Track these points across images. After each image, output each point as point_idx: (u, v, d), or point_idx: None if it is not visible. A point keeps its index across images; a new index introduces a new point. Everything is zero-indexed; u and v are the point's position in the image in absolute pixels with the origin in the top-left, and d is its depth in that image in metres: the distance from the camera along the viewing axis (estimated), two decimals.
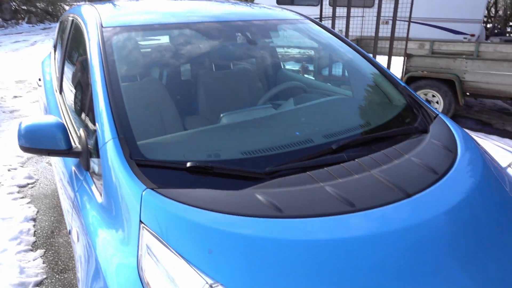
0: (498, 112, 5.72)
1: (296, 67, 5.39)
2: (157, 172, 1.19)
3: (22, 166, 3.71)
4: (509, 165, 1.59)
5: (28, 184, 3.36)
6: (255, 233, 0.99)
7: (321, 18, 5.98)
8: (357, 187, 1.16)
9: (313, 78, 5.03)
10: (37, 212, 2.91)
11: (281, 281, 0.90)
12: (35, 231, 2.67)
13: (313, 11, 9.11)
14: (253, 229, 1.00)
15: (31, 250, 2.46)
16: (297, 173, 1.23)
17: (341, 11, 5.66)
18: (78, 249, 1.31)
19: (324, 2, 6.05)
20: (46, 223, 2.76)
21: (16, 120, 5.14)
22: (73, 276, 2.23)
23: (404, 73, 4.99)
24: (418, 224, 1.08)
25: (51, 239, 2.58)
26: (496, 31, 10.68)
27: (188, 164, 1.19)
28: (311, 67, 5.54)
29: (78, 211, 1.36)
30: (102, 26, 1.75)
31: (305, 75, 5.19)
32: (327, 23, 6.43)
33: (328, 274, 0.92)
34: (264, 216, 1.03)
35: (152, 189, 1.11)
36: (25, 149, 1.42)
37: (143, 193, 1.09)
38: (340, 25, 5.91)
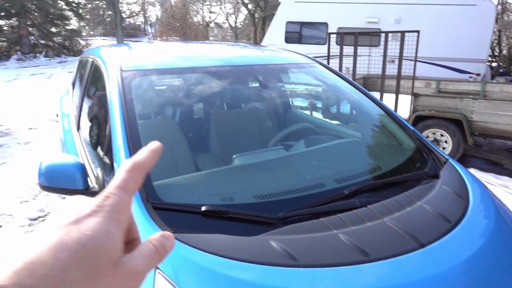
0: (508, 151, 5.70)
1: (304, 103, 5.50)
2: (172, 216, 1.22)
3: (34, 199, 3.75)
4: None
5: (39, 217, 3.39)
6: (270, 282, 0.99)
7: (328, 57, 6.15)
8: (370, 235, 1.17)
9: (322, 116, 5.11)
10: None
11: None
12: None
13: (321, 50, 9.38)
14: (268, 278, 1.01)
15: None
16: (310, 219, 1.24)
17: (348, 50, 5.82)
18: None
19: (331, 41, 6.24)
20: None
21: (30, 152, 5.24)
22: None
23: (412, 112, 5.05)
24: (432, 276, 1.08)
25: None
26: (501, 70, 10.84)
27: (203, 208, 1.22)
28: (319, 104, 5.64)
29: None
30: (121, 69, 1.84)
31: (313, 112, 5.28)
32: (335, 62, 6.61)
33: None
34: (279, 264, 1.04)
35: None
36: (44, 188, 1.46)
37: None
38: (347, 63, 6.06)
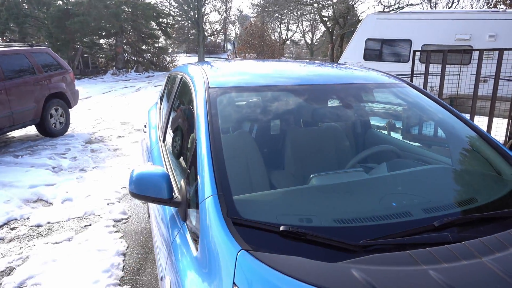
0: None
1: (382, 123, 5.24)
2: (251, 233, 1.21)
3: (119, 202, 4.08)
4: None
5: (122, 219, 3.67)
6: None
7: (412, 75, 5.83)
8: (466, 276, 1.04)
9: (407, 139, 4.83)
10: (127, 247, 3.13)
11: None
12: (123, 266, 2.85)
13: (401, 68, 8.94)
14: None
15: (119, 285, 2.62)
16: (394, 250, 1.15)
17: (433, 68, 5.46)
18: None
19: (416, 59, 5.91)
20: (134, 260, 2.94)
21: (118, 158, 5.75)
22: None
23: (508, 137, 4.53)
24: None
25: (137, 276, 2.73)
26: None
27: (281, 228, 1.20)
28: (398, 124, 5.34)
29: (172, 260, 1.43)
30: (208, 86, 1.92)
31: (395, 133, 5.00)
32: (419, 80, 6.23)
33: None
34: None
35: (247, 250, 1.12)
36: (134, 194, 1.57)
37: (238, 254, 1.11)
38: (432, 82, 5.68)
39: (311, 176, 1.70)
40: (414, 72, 5.91)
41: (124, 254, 3.02)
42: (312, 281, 1.02)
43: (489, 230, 1.27)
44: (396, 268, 1.07)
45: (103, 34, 21.17)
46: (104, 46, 22.37)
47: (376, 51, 9.73)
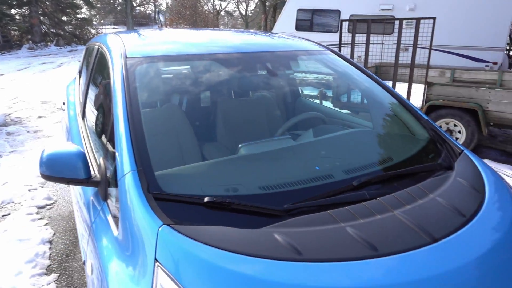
0: None
1: (314, 92, 5.40)
2: (174, 207, 1.18)
3: (42, 187, 3.77)
4: None
5: (47, 205, 3.41)
6: (274, 277, 0.95)
7: (340, 45, 6.02)
8: (380, 229, 1.11)
9: (332, 105, 5.01)
10: (54, 234, 2.93)
11: None
12: (50, 254, 2.67)
13: (332, 38, 9.20)
14: (272, 272, 0.96)
15: (46, 274, 2.46)
16: (317, 211, 1.19)
17: (360, 38, 5.68)
18: (91, 282, 1.29)
19: (343, 29, 6.09)
20: (62, 246, 2.77)
21: (39, 140, 5.28)
22: None
23: (424, 101, 4.92)
24: (446, 272, 1.02)
25: (65, 263, 2.58)
26: None
27: (206, 199, 1.17)
28: (329, 93, 5.54)
29: (93, 242, 1.35)
30: (126, 56, 1.79)
31: (324, 101, 5.18)
32: (347, 50, 6.46)
33: None
34: (283, 259, 0.99)
35: (169, 225, 1.09)
36: (45, 177, 1.43)
37: (160, 229, 1.07)
38: (359, 51, 5.92)
39: (240, 146, 1.69)
40: (343, 42, 6.11)
41: (50, 242, 2.83)
42: (234, 249, 1.02)
43: (401, 185, 1.36)
44: (317, 228, 1.11)
45: (14, 3, 18.85)
46: (17, 17, 19.98)
47: (308, 21, 9.87)
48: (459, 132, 4.79)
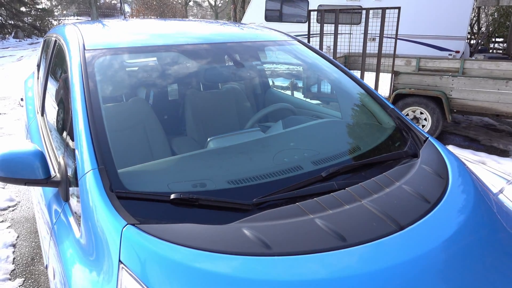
0: (485, 128, 5.79)
1: (285, 83, 5.41)
2: (138, 205, 1.13)
3: (3, 188, 3.59)
4: (500, 191, 1.57)
5: (9, 207, 3.24)
6: (243, 273, 0.93)
7: (309, 35, 6.04)
8: (348, 219, 1.12)
9: (302, 96, 5.04)
10: (17, 237, 2.79)
11: None
12: (14, 258, 2.55)
13: (301, 28, 9.22)
14: (241, 269, 0.94)
15: (9, 279, 2.34)
16: (286, 204, 1.18)
17: (329, 28, 5.72)
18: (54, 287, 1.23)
19: (311, 19, 6.11)
20: (27, 249, 2.65)
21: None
22: None
23: (392, 90, 5.03)
24: (413, 259, 1.04)
25: (31, 266, 2.47)
26: (479, 47, 10.94)
27: (172, 196, 1.14)
28: (300, 84, 5.56)
29: (55, 245, 1.29)
30: (84, 48, 1.70)
31: (294, 92, 5.20)
32: (316, 40, 6.49)
33: None
34: (252, 254, 0.97)
35: (133, 224, 1.05)
36: (1, 178, 1.35)
37: (123, 229, 1.03)
38: (329, 42, 5.97)
39: (208, 139, 1.65)
40: (312, 32, 6.12)
41: (13, 245, 2.69)
42: (202, 246, 0.99)
43: (369, 174, 1.38)
44: (286, 221, 1.10)
45: None
46: None
47: (277, 11, 9.84)
48: (425, 119, 4.94)
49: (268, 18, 9.87)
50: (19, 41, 18.36)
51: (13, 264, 2.49)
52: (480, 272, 1.08)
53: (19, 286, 2.29)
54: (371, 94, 1.98)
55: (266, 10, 9.88)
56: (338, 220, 1.11)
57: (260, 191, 1.24)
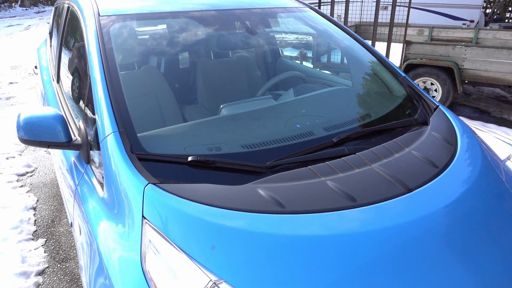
0: (496, 100, 5.73)
1: (294, 53, 5.35)
2: (158, 166, 1.19)
3: (20, 155, 3.70)
4: (508, 158, 1.60)
5: (27, 172, 3.36)
6: (258, 229, 1.00)
7: (320, 3, 5.90)
8: (358, 181, 1.17)
9: (312, 66, 5.00)
10: (37, 201, 2.91)
11: (282, 277, 0.91)
12: (35, 220, 2.68)
13: None
14: (256, 225, 1.00)
15: (32, 239, 2.48)
16: (298, 167, 1.23)
17: None
18: (81, 243, 1.32)
19: None
20: (46, 212, 2.77)
21: (12, 107, 5.09)
22: (75, 265, 2.25)
23: (403, 60, 4.96)
24: (419, 219, 1.09)
25: (51, 228, 2.60)
26: (495, 16, 10.59)
27: (189, 159, 1.19)
28: (309, 54, 5.49)
29: (79, 204, 1.37)
30: (99, 15, 1.72)
31: (303, 62, 5.15)
32: (326, 8, 6.34)
33: (328, 270, 0.93)
34: (267, 212, 1.03)
35: (154, 184, 1.11)
36: (24, 141, 1.41)
37: (145, 188, 1.09)
38: (339, 10, 5.83)
39: (221, 106, 1.69)
40: (322, 1, 5.99)
41: (34, 208, 2.82)
42: (220, 204, 1.05)
43: (379, 141, 1.42)
44: (298, 183, 1.15)
45: None
46: None
47: None
48: (436, 90, 4.90)
49: None
50: (25, 9, 18.17)
51: (34, 225, 2.62)
52: (482, 236, 1.13)
53: (41, 245, 2.42)
54: (383, 62, 1.98)
55: None
56: (348, 182, 1.16)
57: (273, 155, 1.29)
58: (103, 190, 1.24)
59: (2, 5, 17.64)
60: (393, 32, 5.15)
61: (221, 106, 1.70)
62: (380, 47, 5.36)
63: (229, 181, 1.16)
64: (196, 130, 1.51)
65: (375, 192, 1.13)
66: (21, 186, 3.13)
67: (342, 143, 1.38)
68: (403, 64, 4.94)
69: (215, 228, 1.00)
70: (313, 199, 1.09)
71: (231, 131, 1.51)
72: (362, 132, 1.47)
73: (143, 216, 1.06)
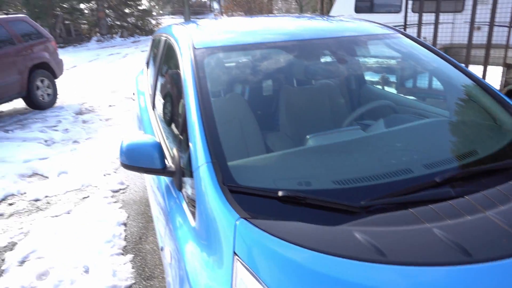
0: None
1: (375, 78, 5.15)
2: (248, 200, 1.18)
3: (115, 172, 4.05)
4: None
5: (120, 189, 3.65)
6: (357, 279, 0.91)
7: (405, 26, 5.65)
8: (471, 232, 1.03)
9: (403, 92, 4.74)
10: (128, 217, 3.13)
11: None
12: (125, 236, 2.87)
13: (394, 19, 8.66)
14: (354, 274, 0.92)
15: (122, 254, 2.64)
16: (396, 209, 1.13)
17: (426, 17, 5.28)
18: (170, 270, 1.35)
19: (408, 8, 5.70)
20: (135, 229, 2.96)
21: (110, 128, 5.65)
22: (158, 284, 2.34)
23: (503, 85, 4.48)
24: None
25: (139, 245, 2.75)
26: None
27: (280, 193, 1.16)
28: (393, 78, 5.24)
29: (171, 231, 1.41)
30: (194, 47, 1.82)
31: (385, 87, 4.91)
32: (412, 31, 6.04)
33: None
34: (366, 260, 0.95)
35: (245, 218, 1.09)
36: (125, 166, 1.51)
37: (237, 222, 1.08)
38: (425, 33, 5.51)
39: (308, 137, 1.65)
40: (407, 23, 5.72)
41: (125, 224, 3.03)
42: (314, 246, 0.99)
43: (491, 182, 1.25)
44: (400, 228, 1.05)
45: None
46: (86, 12, 21.42)
47: (367, 2, 9.38)
48: None
49: (358, 9, 9.48)
50: (124, 39, 20.41)
51: (124, 241, 2.81)
52: None
53: (130, 261, 2.57)
54: (486, 89, 1.78)
55: (356, 0, 9.49)
56: (459, 231, 1.03)
57: (368, 193, 1.20)
58: (194, 219, 1.26)
59: (106, 36, 20.06)
60: (490, 54, 4.69)
61: (308, 136, 1.66)
62: (475, 71, 4.91)
63: (319, 220, 1.10)
64: (284, 161, 1.48)
65: (494, 247, 0.98)
66: (115, 202, 3.40)
67: (446, 183, 1.24)
68: (504, 89, 4.45)
69: (309, 273, 0.95)
70: (419, 249, 0.98)
71: (320, 165, 1.45)
72: (471, 171, 1.31)
73: (234, 252, 1.04)
